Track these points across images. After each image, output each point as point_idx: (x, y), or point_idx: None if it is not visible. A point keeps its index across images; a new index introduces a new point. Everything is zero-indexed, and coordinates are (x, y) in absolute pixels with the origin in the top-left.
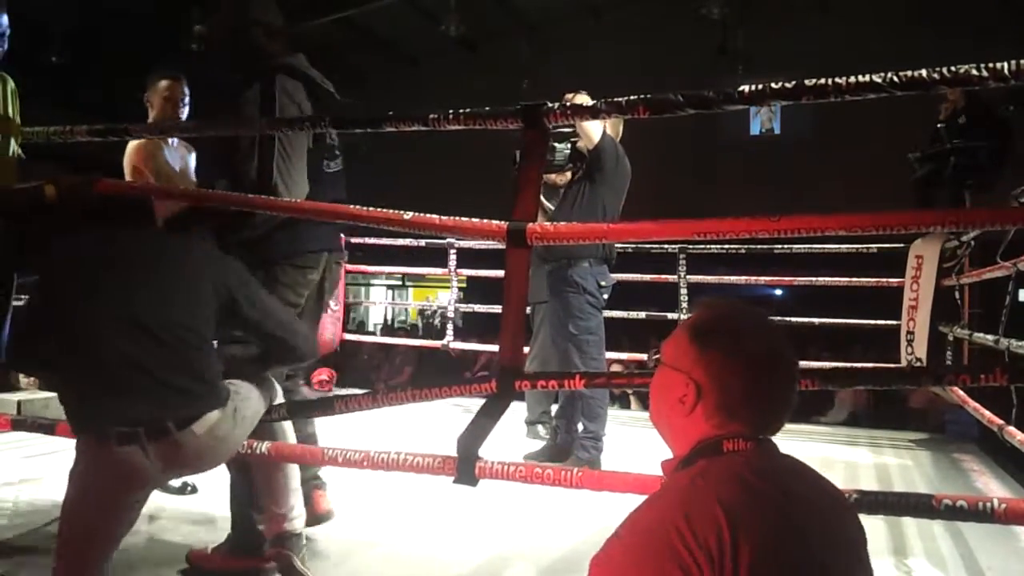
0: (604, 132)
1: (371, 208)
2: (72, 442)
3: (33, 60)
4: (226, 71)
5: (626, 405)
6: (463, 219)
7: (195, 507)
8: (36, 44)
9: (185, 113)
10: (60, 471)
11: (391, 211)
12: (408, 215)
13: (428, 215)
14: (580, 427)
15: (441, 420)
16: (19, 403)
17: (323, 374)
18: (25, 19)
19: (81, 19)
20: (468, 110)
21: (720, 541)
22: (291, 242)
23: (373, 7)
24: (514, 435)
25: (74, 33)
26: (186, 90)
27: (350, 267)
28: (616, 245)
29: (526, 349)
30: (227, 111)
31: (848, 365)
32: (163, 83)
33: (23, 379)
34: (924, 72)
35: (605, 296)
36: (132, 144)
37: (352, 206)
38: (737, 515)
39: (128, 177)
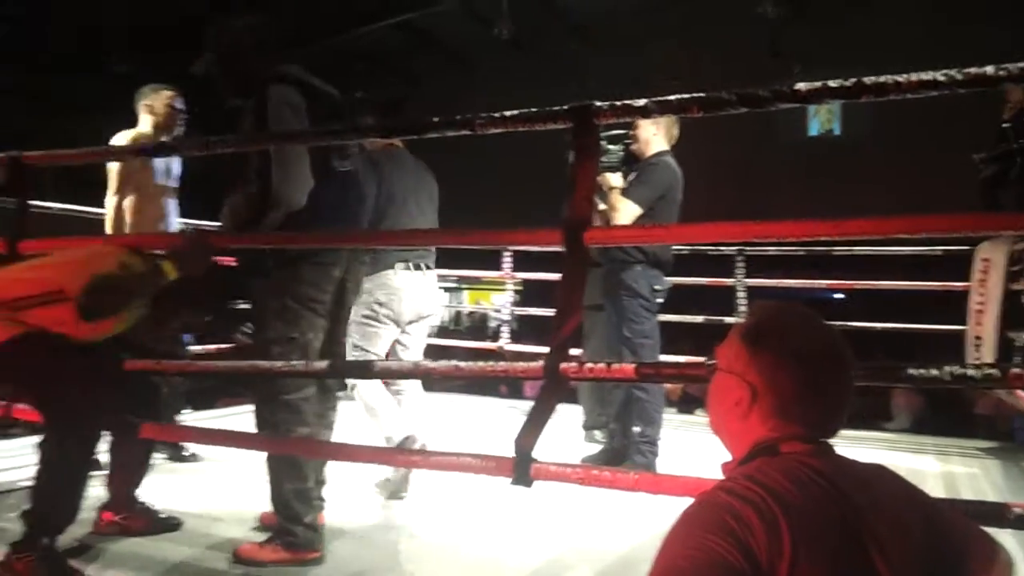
0: (660, 150)
1: (429, 229)
2: None
3: (97, 70)
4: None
5: (686, 411)
6: (517, 230)
7: (223, 501)
8: (100, 54)
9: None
10: None
11: (448, 229)
12: (464, 232)
13: (482, 231)
14: (636, 430)
15: (496, 422)
16: None
17: None
18: (88, 29)
19: (143, 29)
20: (515, 112)
21: (772, 535)
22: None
23: (428, 11)
24: (571, 440)
25: (136, 43)
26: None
27: None
28: (672, 249)
29: (579, 351)
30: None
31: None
32: (167, 92)
33: None
34: (990, 69)
35: (659, 300)
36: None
37: (407, 229)
38: (792, 511)
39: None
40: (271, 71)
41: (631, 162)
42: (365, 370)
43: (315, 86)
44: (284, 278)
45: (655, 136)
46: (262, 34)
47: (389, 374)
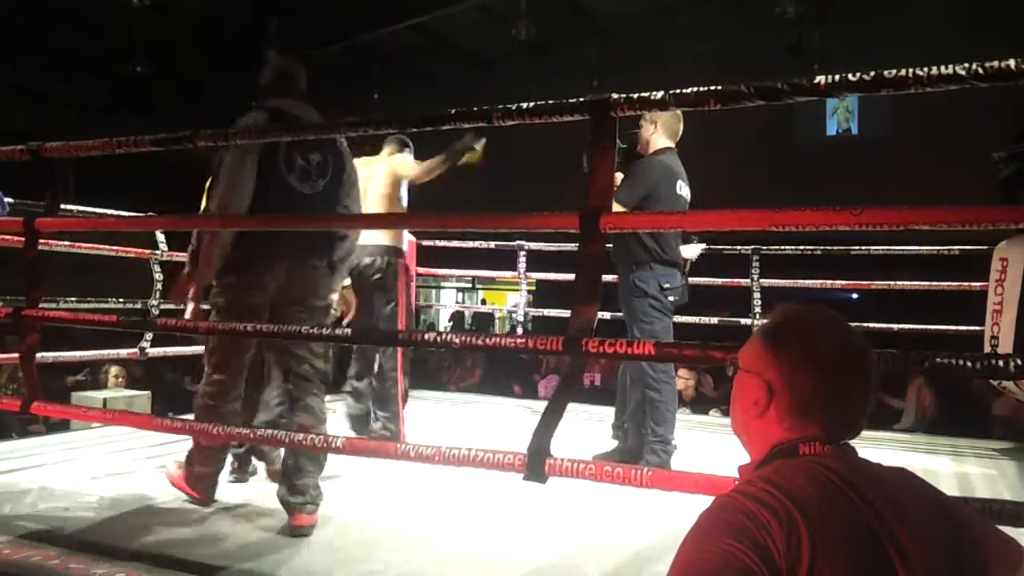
0: (662, 147)
1: (447, 216)
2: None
3: (116, 70)
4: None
5: (701, 411)
6: (534, 213)
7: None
8: (119, 55)
9: None
10: (145, 466)
11: (465, 214)
12: (480, 216)
13: (499, 216)
14: (649, 430)
15: (510, 422)
16: (105, 400)
17: None
18: (108, 30)
19: (161, 29)
20: (532, 105)
21: (790, 538)
22: (242, 255)
23: (445, 13)
24: (587, 439)
25: (155, 43)
26: None
27: (421, 270)
28: (679, 246)
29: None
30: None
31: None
32: None
33: (111, 378)
34: (1012, 63)
35: (671, 298)
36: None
37: (425, 214)
38: (811, 514)
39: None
40: (262, 101)
41: (633, 159)
42: (393, 338)
43: (295, 116)
44: (226, 282)
45: (654, 135)
46: (272, 73)
47: (414, 343)
